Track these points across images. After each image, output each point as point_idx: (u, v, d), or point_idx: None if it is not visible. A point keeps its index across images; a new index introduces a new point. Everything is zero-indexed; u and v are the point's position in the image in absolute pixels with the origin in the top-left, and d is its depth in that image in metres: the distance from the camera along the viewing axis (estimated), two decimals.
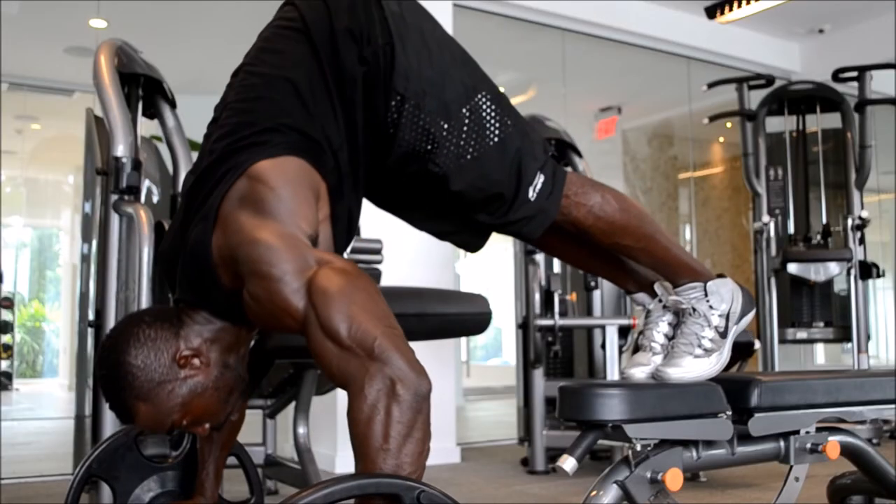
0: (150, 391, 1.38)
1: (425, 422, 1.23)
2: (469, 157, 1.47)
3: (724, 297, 1.63)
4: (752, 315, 1.69)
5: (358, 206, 1.56)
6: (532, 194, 1.52)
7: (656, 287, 1.68)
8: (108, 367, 1.40)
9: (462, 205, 1.54)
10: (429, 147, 1.46)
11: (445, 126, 1.46)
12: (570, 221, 1.57)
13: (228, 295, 1.37)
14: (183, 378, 1.40)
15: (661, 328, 1.66)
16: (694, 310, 1.61)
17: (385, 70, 1.44)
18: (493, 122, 1.50)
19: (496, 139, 1.50)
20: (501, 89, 1.56)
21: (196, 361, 1.41)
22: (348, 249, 2.98)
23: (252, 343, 1.61)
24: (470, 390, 8.98)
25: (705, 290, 1.62)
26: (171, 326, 1.41)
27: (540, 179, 1.53)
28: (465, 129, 1.47)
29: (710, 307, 1.61)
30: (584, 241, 1.64)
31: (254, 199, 1.33)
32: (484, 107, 1.50)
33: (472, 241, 1.67)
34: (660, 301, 1.67)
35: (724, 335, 1.62)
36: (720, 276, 1.66)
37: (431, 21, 1.55)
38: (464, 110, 1.48)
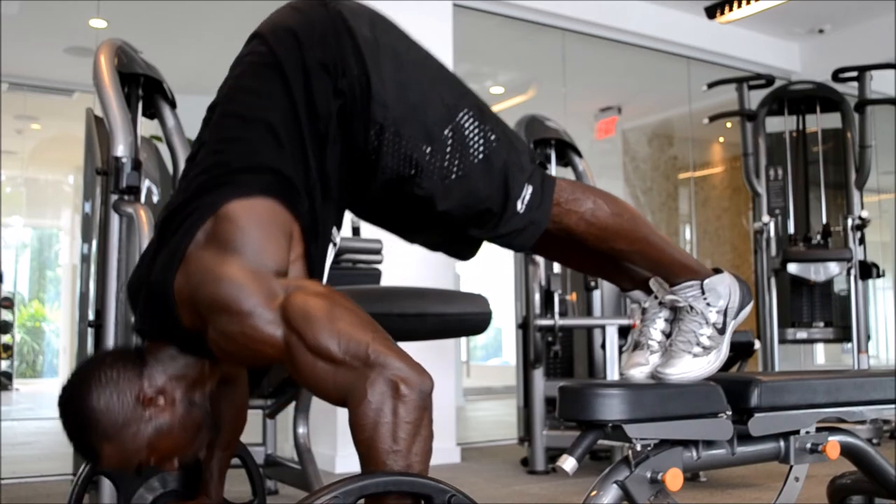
0: (114, 433, 1.35)
1: (430, 419, 1.23)
2: (454, 176, 1.45)
3: (721, 293, 1.62)
4: (750, 307, 1.68)
5: (334, 244, 1.54)
6: (521, 207, 1.49)
7: (652, 283, 1.67)
8: (71, 410, 1.38)
9: (451, 222, 1.52)
10: (412, 172, 1.43)
11: (428, 150, 1.43)
12: (561, 229, 1.55)
13: (191, 335, 1.35)
14: (147, 418, 1.38)
15: (658, 325, 1.65)
16: (691, 308, 1.61)
17: (362, 101, 1.41)
18: (476, 139, 1.48)
19: (481, 156, 1.47)
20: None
21: (160, 401, 1.39)
22: (349, 250, 3.00)
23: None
24: (470, 390, 8.98)
25: (702, 287, 1.61)
26: (134, 366, 1.39)
27: (528, 191, 1.50)
28: (448, 150, 1.45)
29: (708, 304, 1.61)
30: (576, 245, 1.62)
31: (220, 238, 1.31)
32: (466, 125, 1.47)
33: (464, 251, 1.66)
34: (655, 298, 1.66)
35: (722, 331, 1.62)
36: (716, 270, 1.66)
37: (406, 40, 1.51)
38: (446, 131, 1.45)
